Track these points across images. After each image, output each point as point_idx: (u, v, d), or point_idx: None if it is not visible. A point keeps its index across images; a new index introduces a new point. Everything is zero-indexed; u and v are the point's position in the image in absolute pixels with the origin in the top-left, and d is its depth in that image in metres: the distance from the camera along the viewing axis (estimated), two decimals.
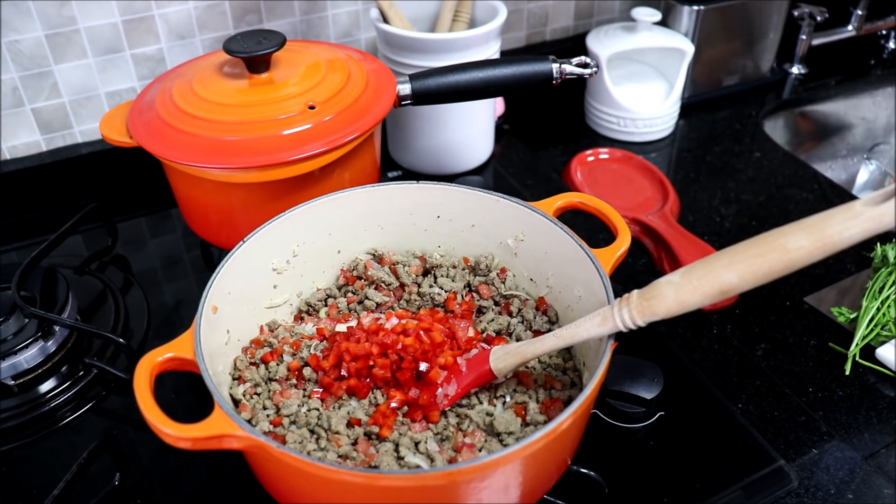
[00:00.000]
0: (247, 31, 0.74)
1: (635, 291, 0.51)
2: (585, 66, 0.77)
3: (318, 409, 0.56)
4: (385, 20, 0.88)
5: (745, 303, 0.76)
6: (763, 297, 0.77)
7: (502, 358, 0.56)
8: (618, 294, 0.53)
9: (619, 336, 0.51)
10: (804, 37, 1.21)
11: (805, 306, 0.77)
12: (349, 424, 0.55)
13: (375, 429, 0.54)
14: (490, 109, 0.96)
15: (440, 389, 0.56)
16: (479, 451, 0.53)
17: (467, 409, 0.56)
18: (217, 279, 0.56)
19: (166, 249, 0.86)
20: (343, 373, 0.57)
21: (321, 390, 0.58)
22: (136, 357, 0.61)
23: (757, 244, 0.47)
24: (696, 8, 1.05)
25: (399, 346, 0.57)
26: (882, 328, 0.70)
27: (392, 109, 0.75)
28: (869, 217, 0.43)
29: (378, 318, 0.61)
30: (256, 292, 0.63)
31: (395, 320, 0.60)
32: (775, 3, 1.10)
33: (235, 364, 0.60)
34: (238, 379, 0.59)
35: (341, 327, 0.63)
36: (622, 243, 0.60)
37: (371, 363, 0.57)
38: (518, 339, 0.62)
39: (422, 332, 0.58)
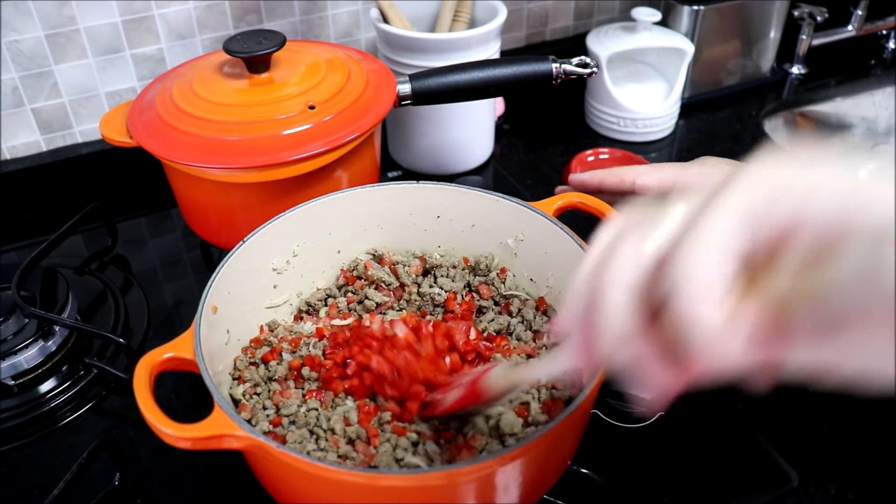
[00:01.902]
0: (247, 31, 0.74)
1: None
2: (585, 66, 0.77)
3: (316, 410, 0.56)
4: (385, 20, 0.88)
5: None
6: None
7: (498, 379, 0.51)
8: None
9: None
10: (804, 37, 1.21)
11: None
12: (346, 423, 0.55)
13: (365, 433, 0.54)
14: (490, 109, 0.96)
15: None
16: (480, 452, 0.53)
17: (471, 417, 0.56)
18: (217, 279, 0.56)
19: (166, 249, 0.86)
20: (348, 371, 0.57)
21: (316, 390, 0.58)
22: (136, 357, 0.60)
23: None
24: (696, 8, 1.05)
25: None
26: None
27: (392, 109, 0.75)
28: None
29: (384, 324, 0.60)
30: (256, 292, 0.63)
31: (402, 327, 0.58)
32: (775, 3, 1.10)
33: (235, 364, 0.60)
34: (238, 379, 0.59)
35: (339, 322, 0.63)
36: None
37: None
38: (518, 339, 0.62)
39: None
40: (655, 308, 0.29)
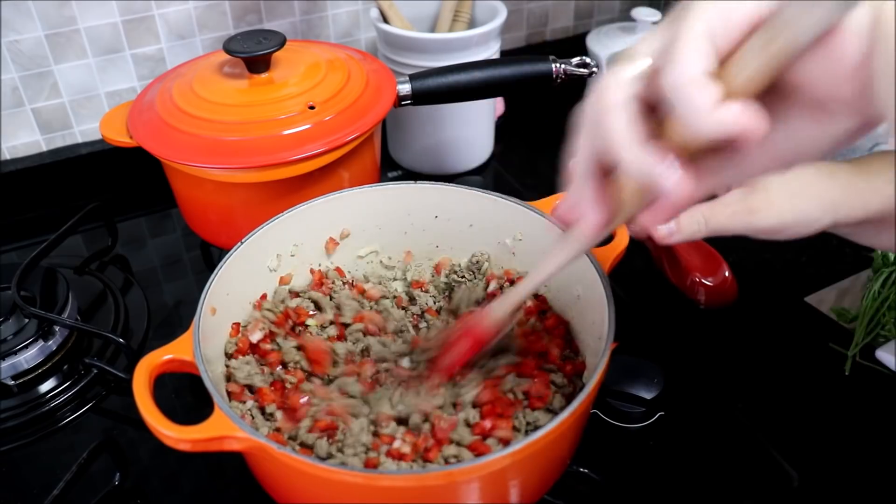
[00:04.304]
0: (247, 31, 0.74)
1: None
2: (585, 66, 0.77)
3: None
4: (385, 20, 0.88)
5: (745, 303, 0.76)
6: (763, 297, 0.77)
7: (498, 307, 0.54)
8: (616, 293, 0.53)
9: (618, 336, 0.51)
10: None
11: (805, 306, 0.77)
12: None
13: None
14: (490, 109, 0.96)
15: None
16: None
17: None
18: (215, 281, 0.56)
19: (166, 249, 0.86)
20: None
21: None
22: (136, 357, 0.61)
23: None
24: None
25: None
26: (882, 328, 0.70)
27: (392, 109, 0.75)
28: None
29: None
30: (255, 294, 0.63)
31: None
32: None
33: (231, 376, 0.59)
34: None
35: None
36: (621, 242, 0.60)
37: None
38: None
39: None
40: (657, 123, 0.35)
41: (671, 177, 0.34)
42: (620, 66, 0.35)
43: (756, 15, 0.31)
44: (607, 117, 0.35)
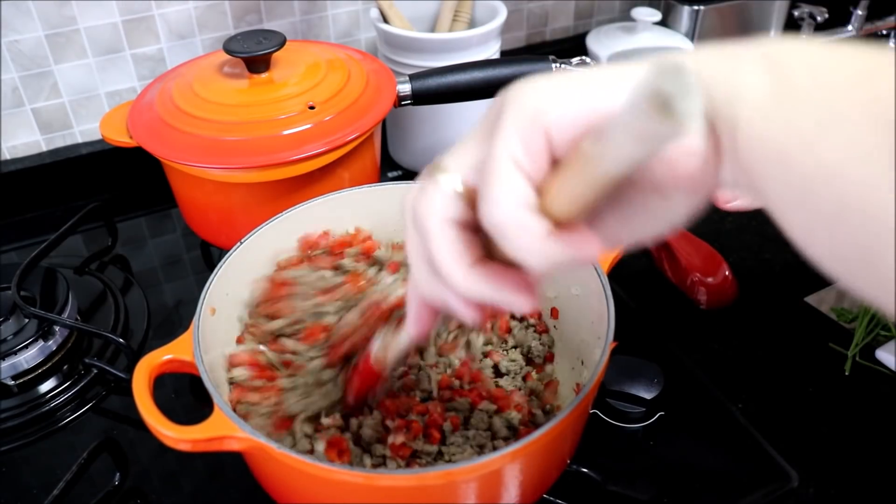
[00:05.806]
0: (247, 31, 0.74)
1: None
2: (585, 66, 0.77)
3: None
4: (385, 20, 0.88)
5: (745, 303, 0.76)
6: (763, 297, 0.77)
7: (382, 350, 0.50)
8: (616, 293, 0.53)
9: (618, 336, 0.51)
10: (804, 37, 1.20)
11: (805, 306, 0.77)
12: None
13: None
14: None
15: None
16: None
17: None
18: (215, 281, 0.56)
19: (166, 249, 0.86)
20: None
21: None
22: (136, 357, 0.61)
23: None
24: (696, 8, 1.05)
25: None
26: (882, 328, 0.70)
27: (392, 109, 0.75)
28: None
29: None
30: (254, 294, 0.63)
31: None
32: (775, 3, 1.10)
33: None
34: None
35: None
36: None
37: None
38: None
39: None
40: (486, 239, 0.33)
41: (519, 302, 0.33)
42: (437, 181, 0.32)
43: (583, 121, 0.28)
44: (431, 244, 0.33)
